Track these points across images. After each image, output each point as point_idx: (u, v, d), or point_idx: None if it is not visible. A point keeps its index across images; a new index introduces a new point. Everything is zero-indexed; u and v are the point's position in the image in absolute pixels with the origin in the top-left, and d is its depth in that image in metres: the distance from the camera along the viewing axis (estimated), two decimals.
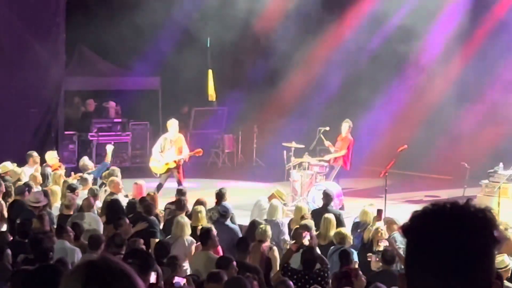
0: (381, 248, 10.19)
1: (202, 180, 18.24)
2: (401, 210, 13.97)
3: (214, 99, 23.31)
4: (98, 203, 13.02)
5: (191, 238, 10.70)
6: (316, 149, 16.85)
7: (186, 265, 10.00)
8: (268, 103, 21.75)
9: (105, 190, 13.94)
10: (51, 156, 15.84)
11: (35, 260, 8.24)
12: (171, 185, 15.60)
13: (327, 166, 16.17)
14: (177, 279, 8.06)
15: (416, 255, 1.99)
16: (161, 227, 12.07)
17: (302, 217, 11.79)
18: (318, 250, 10.11)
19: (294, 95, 21.42)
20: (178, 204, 12.29)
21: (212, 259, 9.11)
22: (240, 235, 11.35)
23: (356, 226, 11.95)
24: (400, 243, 10.06)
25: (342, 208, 14.67)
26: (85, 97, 22.04)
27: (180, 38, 21.46)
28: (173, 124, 16.04)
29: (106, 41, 20.49)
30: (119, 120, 21.74)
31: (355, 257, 10.14)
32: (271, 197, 13.19)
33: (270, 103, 21.72)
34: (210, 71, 23.01)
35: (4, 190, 13.10)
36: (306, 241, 9.97)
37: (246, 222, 12.93)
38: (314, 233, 10.79)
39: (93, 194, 12.84)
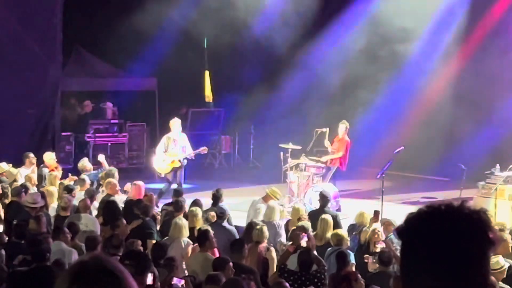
0: (378, 250, 10.19)
1: (198, 181, 18.24)
2: (398, 212, 13.97)
3: (211, 100, 23.33)
4: (96, 204, 13.01)
5: (187, 240, 10.70)
6: (313, 150, 16.85)
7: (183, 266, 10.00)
8: (265, 104, 21.75)
9: (102, 191, 13.93)
10: (50, 157, 15.83)
11: (32, 262, 8.24)
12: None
13: (324, 167, 16.17)
14: (175, 281, 8.06)
15: (411, 257, 1.99)
16: (158, 228, 12.06)
17: (299, 219, 11.79)
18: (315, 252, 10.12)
19: (291, 96, 21.42)
20: (176, 206, 12.29)
21: (210, 261, 9.10)
22: (237, 236, 11.35)
23: (352, 228, 11.94)
24: (397, 244, 10.07)
25: (339, 210, 14.68)
26: (82, 98, 22.03)
27: (177, 39, 21.46)
28: (175, 123, 16.09)
29: (103, 42, 20.49)
30: (116, 121, 21.73)
31: (352, 258, 10.15)
32: (265, 197, 13.19)
33: (267, 104, 21.72)
34: (207, 72, 23.03)
35: (0, 191, 13.10)
36: (303, 243, 9.97)
37: (242, 223, 12.94)
38: (312, 234, 10.79)
39: (90, 195, 12.83)
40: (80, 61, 22.02)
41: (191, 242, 10.62)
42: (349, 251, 10.39)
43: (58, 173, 15.08)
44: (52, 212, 12.49)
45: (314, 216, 12.11)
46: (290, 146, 16.53)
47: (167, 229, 11.18)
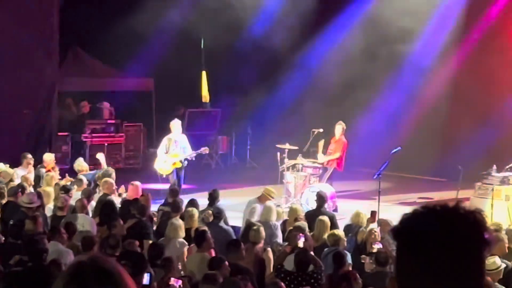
0: (374, 250, 10.19)
1: (195, 182, 18.22)
2: (394, 212, 13.98)
3: (208, 101, 23.32)
4: (93, 203, 13.00)
5: (182, 240, 10.68)
6: (309, 150, 16.86)
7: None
8: (261, 104, 21.75)
9: (99, 191, 13.92)
10: (50, 158, 15.84)
11: (29, 262, 8.23)
12: (165, 186, 15.60)
13: (321, 168, 16.18)
14: (173, 281, 8.05)
15: (407, 258, 1.99)
16: (154, 228, 12.05)
17: (296, 219, 11.79)
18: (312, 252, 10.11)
19: (288, 96, 21.42)
20: (174, 206, 12.29)
21: (207, 261, 9.10)
22: (234, 236, 11.35)
23: (348, 229, 11.94)
24: (394, 244, 10.05)
25: (335, 210, 14.69)
26: (79, 98, 22.00)
27: (174, 39, 21.45)
28: (176, 124, 16.13)
29: (100, 42, 20.48)
30: (113, 121, 21.71)
31: (348, 259, 10.15)
32: (261, 197, 13.18)
33: (264, 104, 21.71)
34: (204, 73, 23.02)
35: None
36: (300, 243, 9.97)
37: (239, 223, 12.94)
38: (309, 235, 10.79)
39: (87, 196, 12.82)
40: (77, 61, 22.00)
41: (186, 243, 10.61)
42: (346, 251, 10.40)
43: (55, 173, 15.07)
44: (48, 212, 12.47)
45: (311, 216, 12.11)
46: (287, 146, 16.54)
47: (163, 230, 11.17)
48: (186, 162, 16.01)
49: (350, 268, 9.72)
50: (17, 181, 14.12)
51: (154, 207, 13.41)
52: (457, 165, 15.92)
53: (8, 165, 14.99)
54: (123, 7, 20.03)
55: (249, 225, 11.43)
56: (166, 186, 15.48)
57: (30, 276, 4.53)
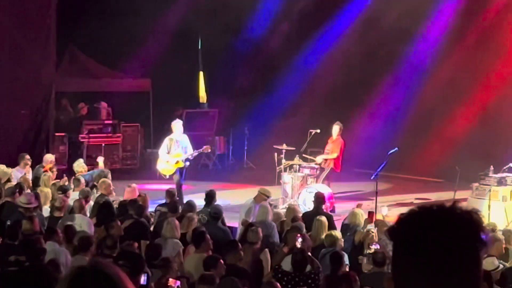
0: (372, 251, 10.19)
1: (192, 182, 18.22)
2: (392, 213, 13.99)
3: (205, 101, 23.32)
4: (92, 203, 12.99)
5: (176, 240, 10.66)
6: (307, 151, 16.87)
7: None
8: (259, 105, 21.75)
9: (97, 191, 13.91)
10: (50, 158, 15.83)
11: (26, 262, 8.22)
12: (161, 186, 15.59)
13: (318, 168, 16.19)
14: (172, 282, 8.04)
15: (403, 258, 1.99)
16: (151, 229, 12.03)
17: (293, 219, 11.79)
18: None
19: (286, 97, 21.42)
20: (171, 207, 12.28)
21: None
22: (231, 237, 11.34)
23: (346, 228, 11.94)
24: (390, 244, 10.05)
25: (333, 211, 14.69)
26: (76, 99, 21.99)
27: (171, 40, 21.45)
28: (177, 124, 16.13)
29: (97, 42, 20.47)
30: (110, 121, 21.70)
31: (346, 259, 10.15)
32: (257, 197, 13.17)
33: (261, 105, 21.71)
34: (201, 73, 23.02)
35: None
36: (298, 244, 9.97)
37: (235, 224, 12.94)
38: (307, 235, 10.78)
39: (85, 196, 12.81)
40: (74, 61, 21.98)
41: (180, 243, 10.59)
42: (343, 252, 10.40)
43: (53, 174, 15.05)
44: (45, 213, 12.45)
45: (308, 217, 12.10)
46: (284, 147, 16.55)
47: (161, 230, 11.15)
48: (187, 163, 16.00)
49: (347, 269, 9.72)
50: (14, 182, 14.10)
51: (151, 208, 13.40)
52: (454, 166, 15.94)
53: (4, 166, 14.96)
54: (121, 7, 20.02)
55: (247, 226, 11.42)
56: (166, 187, 15.47)
57: (28, 276, 4.52)
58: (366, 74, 20.12)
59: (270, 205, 13.20)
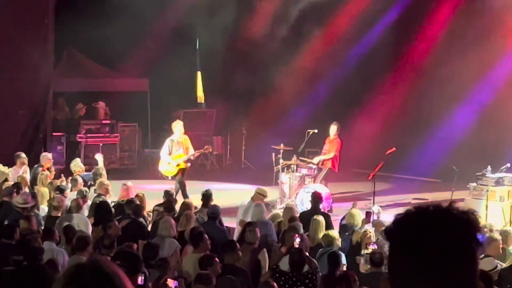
0: (369, 251, 10.19)
1: (190, 182, 18.21)
2: (389, 213, 13.99)
3: (203, 101, 23.33)
4: (89, 202, 12.98)
5: (173, 239, 10.66)
6: (304, 151, 16.87)
7: None
8: (257, 105, 21.75)
9: (94, 190, 13.91)
10: (48, 157, 15.82)
11: (24, 262, 8.20)
12: (160, 186, 15.59)
13: (315, 168, 16.20)
14: (170, 282, 8.04)
15: (399, 258, 2.00)
16: (149, 228, 12.03)
17: (291, 219, 11.79)
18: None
19: (284, 97, 21.42)
20: (167, 207, 12.27)
21: None
22: (229, 237, 11.33)
23: (344, 228, 11.94)
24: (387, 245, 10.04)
25: (330, 211, 14.70)
26: (74, 98, 21.98)
27: (169, 40, 21.44)
28: (178, 125, 16.12)
29: (95, 42, 20.45)
30: (108, 121, 21.70)
31: (343, 259, 10.15)
32: (254, 197, 13.17)
33: (259, 105, 21.71)
34: (199, 73, 23.03)
35: None
36: (296, 244, 9.97)
37: (233, 224, 12.94)
38: (305, 235, 10.78)
39: (82, 196, 12.80)
40: (72, 61, 21.99)
41: (177, 242, 10.59)
42: (340, 252, 10.40)
43: (51, 173, 15.04)
44: (42, 212, 12.45)
45: (306, 217, 12.10)
46: (282, 147, 16.55)
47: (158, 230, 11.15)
48: (189, 164, 16.01)
49: (345, 269, 9.72)
50: (11, 181, 14.09)
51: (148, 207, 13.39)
52: (451, 166, 15.95)
53: (1, 165, 14.95)
54: (119, 7, 20.01)
55: (244, 226, 11.42)
56: (164, 186, 15.47)
57: (26, 275, 4.51)
58: (365, 74, 20.13)
59: (267, 205, 13.19)
